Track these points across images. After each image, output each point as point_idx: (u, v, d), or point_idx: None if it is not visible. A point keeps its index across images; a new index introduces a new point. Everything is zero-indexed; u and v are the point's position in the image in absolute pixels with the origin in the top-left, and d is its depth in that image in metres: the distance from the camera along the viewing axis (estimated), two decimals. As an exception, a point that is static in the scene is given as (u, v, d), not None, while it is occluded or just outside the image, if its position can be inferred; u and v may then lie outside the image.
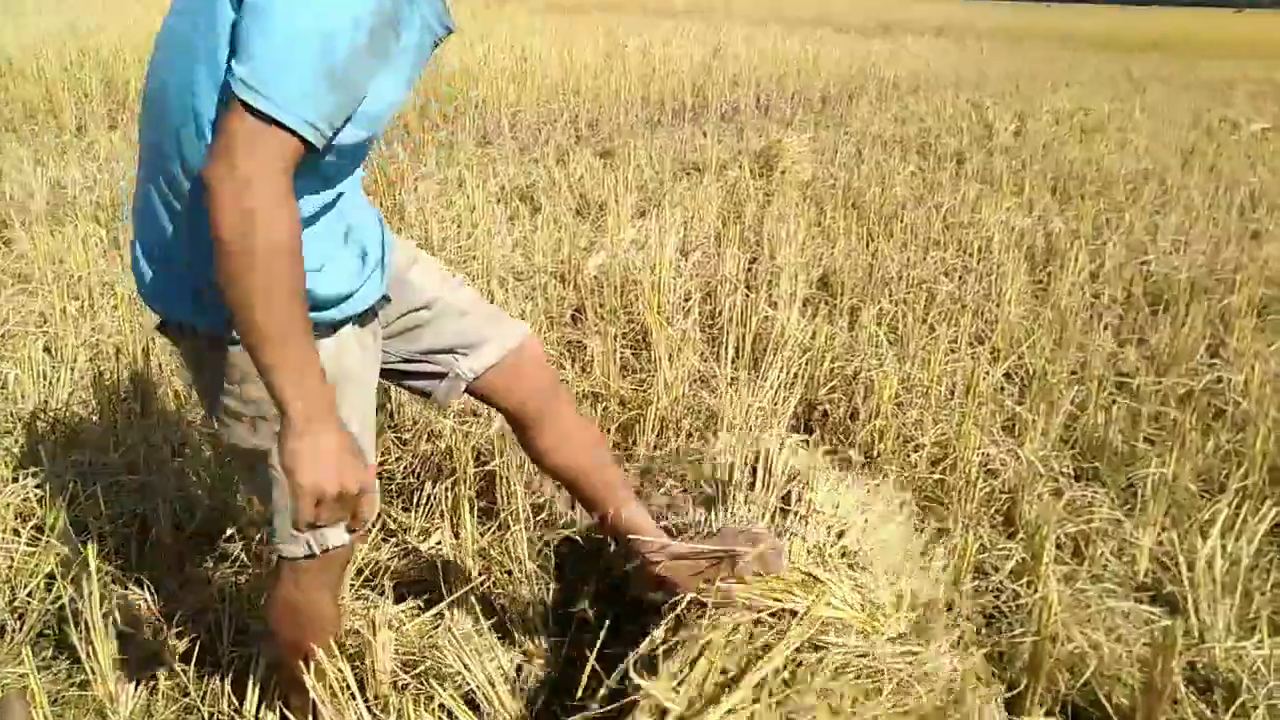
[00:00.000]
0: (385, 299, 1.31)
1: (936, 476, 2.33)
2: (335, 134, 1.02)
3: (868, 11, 28.60)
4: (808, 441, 1.94)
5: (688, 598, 1.44)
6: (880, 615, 1.46)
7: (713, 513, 1.68)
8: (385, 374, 1.43)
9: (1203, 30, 27.89)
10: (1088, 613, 1.86)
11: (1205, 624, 1.82)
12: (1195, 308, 3.30)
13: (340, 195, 1.19)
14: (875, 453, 2.40)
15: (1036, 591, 1.86)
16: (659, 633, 1.42)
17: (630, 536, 1.50)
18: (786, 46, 12.04)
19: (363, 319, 1.28)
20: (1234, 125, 8.48)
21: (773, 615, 1.40)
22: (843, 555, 1.53)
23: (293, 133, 0.96)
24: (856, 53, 12.97)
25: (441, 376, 1.44)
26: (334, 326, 1.22)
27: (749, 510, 1.64)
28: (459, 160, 5.66)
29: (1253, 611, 1.85)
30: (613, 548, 2.08)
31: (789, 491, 1.68)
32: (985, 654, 1.72)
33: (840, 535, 1.57)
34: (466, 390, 1.46)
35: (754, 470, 1.76)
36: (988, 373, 2.75)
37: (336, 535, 1.26)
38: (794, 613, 1.40)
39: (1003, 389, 2.85)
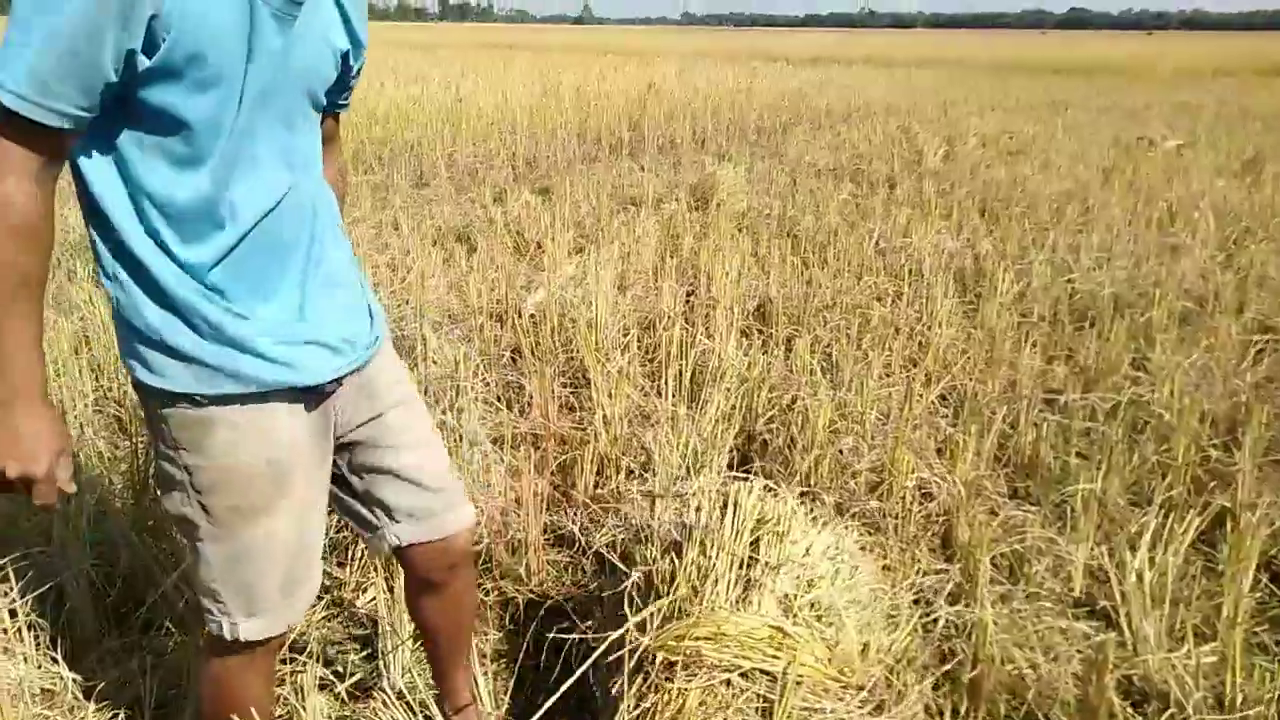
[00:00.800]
0: (337, 382, 1.22)
1: (874, 503, 2.34)
2: (103, 99, 0.97)
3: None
4: (777, 486, 1.90)
5: (656, 657, 1.40)
6: (849, 670, 1.45)
7: (679, 560, 1.63)
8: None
9: (1117, 53, 29.09)
10: (1025, 633, 1.88)
11: (1138, 636, 1.85)
12: (1118, 323, 3.40)
13: (255, 224, 1.10)
14: (813, 481, 2.41)
15: (974, 614, 1.87)
16: (629, 700, 1.39)
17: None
18: (720, 79, 12.25)
19: (312, 398, 1.20)
20: (1150, 143, 8.83)
21: (743, 675, 1.38)
22: (812, 607, 1.51)
23: (10, 112, 0.93)
24: (789, 84, 13.25)
25: (373, 529, 1.37)
26: (263, 393, 1.13)
27: (716, 557, 1.59)
28: (394, 203, 5.62)
29: (1180, 621, 1.88)
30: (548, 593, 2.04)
31: (758, 538, 1.63)
32: (931, 682, 1.73)
33: (810, 585, 1.54)
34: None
35: (723, 514, 1.70)
36: (920, 395, 2.79)
37: (250, 628, 1.21)
38: (765, 672, 1.37)
39: (936, 411, 2.89)
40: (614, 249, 4.37)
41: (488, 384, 3.00)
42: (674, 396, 2.82)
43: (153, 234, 1.06)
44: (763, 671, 1.37)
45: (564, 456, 2.59)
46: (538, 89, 10.22)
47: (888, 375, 3.04)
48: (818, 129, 10.17)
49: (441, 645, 1.50)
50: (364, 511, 1.36)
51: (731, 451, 2.62)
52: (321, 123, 1.28)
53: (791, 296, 3.77)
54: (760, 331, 3.55)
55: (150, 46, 0.97)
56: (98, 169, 1.04)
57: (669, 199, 5.80)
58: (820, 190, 6.20)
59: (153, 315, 1.08)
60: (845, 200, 5.84)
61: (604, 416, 2.64)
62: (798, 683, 1.36)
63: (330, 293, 1.21)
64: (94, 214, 1.06)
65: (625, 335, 3.33)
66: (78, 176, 1.05)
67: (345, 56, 1.22)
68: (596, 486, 2.50)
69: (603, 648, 1.48)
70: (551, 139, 8.29)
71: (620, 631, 1.47)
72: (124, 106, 1.01)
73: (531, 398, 2.85)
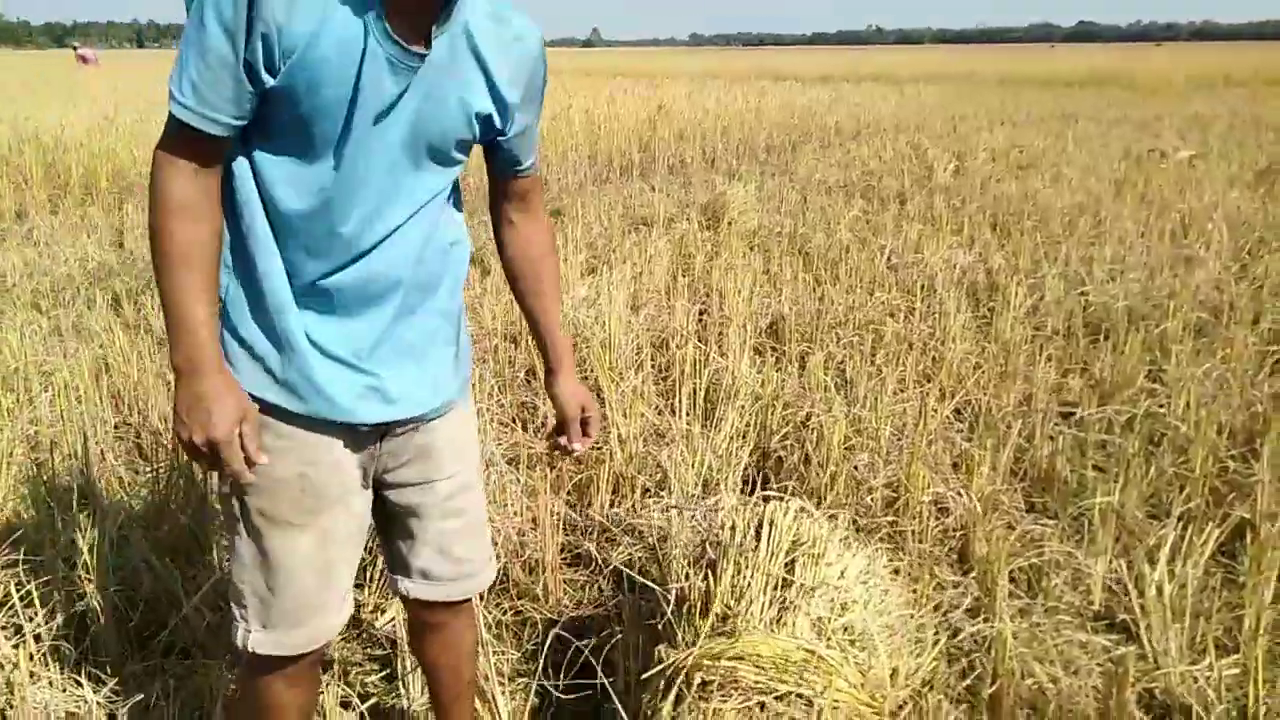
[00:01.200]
0: (381, 427, 1.24)
1: (890, 518, 2.34)
2: (240, 107, 1.06)
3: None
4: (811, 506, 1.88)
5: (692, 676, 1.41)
6: (880, 695, 1.44)
7: (714, 578, 1.63)
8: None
9: (1126, 65, 29.07)
10: (1045, 647, 1.87)
11: (1158, 649, 1.84)
12: (1133, 335, 3.39)
13: (352, 257, 1.14)
14: (828, 499, 2.41)
15: (993, 628, 1.86)
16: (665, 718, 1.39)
17: None
18: (729, 99, 12.32)
19: (353, 434, 1.22)
20: (1162, 155, 8.81)
21: (778, 699, 1.38)
22: (845, 631, 1.50)
23: (181, 123, 1.05)
24: (798, 102, 13.31)
25: (391, 569, 1.40)
26: (304, 415, 1.17)
27: (751, 577, 1.58)
28: (408, 227, 5.67)
29: (1201, 634, 1.87)
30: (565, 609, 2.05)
31: (793, 560, 1.62)
32: (949, 696, 1.72)
33: (844, 609, 1.53)
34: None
35: (757, 534, 1.69)
36: (935, 410, 2.79)
37: (259, 640, 1.22)
38: (800, 695, 1.37)
39: (951, 426, 2.89)
40: (626, 269, 4.39)
41: (503, 405, 3.02)
42: (688, 415, 2.83)
43: (269, 236, 1.14)
44: (798, 695, 1.37)
45: (579, 476, 2.60)
46: (547, 112, 10.30)
47: (902, 391, 3.04)
48: (827, 146, 10.21)
49: (440, 683, 1.50)
50: (389, 553, 1.40)
51: (746, 469, 2.62)
52: (507, 185, 1.33)
53: (804, 313, 3.78)
54: (773, 349, 3.56)
55: (270, 67, 1.04)
56: (240, 168, 1.13)
57: (680, 218, 5.83)
58: (831, 207, 6.22)
59: (248, 309, 1.15)
60: (856, 217, 5.85)
61: (619, 435, 2.65)
62: (834, 707, 1.36)
63: (406, 349, 1.23)
64: (229, 205, 1.14)
65: (639, 354, 3.35)
66: (225, 173, 1.13)
67: (488, 119, 1.18)
68: (612, 505, 2.51)
69: (655, 667, 1.48)
70: (563, 161, 8.36)
71: (685, 652, 1.46)
72: (261, 121, 1.10)
73: (546, 418, 2.87)
